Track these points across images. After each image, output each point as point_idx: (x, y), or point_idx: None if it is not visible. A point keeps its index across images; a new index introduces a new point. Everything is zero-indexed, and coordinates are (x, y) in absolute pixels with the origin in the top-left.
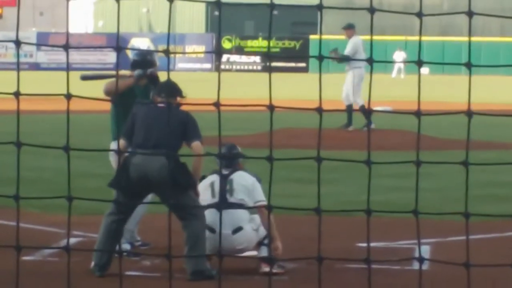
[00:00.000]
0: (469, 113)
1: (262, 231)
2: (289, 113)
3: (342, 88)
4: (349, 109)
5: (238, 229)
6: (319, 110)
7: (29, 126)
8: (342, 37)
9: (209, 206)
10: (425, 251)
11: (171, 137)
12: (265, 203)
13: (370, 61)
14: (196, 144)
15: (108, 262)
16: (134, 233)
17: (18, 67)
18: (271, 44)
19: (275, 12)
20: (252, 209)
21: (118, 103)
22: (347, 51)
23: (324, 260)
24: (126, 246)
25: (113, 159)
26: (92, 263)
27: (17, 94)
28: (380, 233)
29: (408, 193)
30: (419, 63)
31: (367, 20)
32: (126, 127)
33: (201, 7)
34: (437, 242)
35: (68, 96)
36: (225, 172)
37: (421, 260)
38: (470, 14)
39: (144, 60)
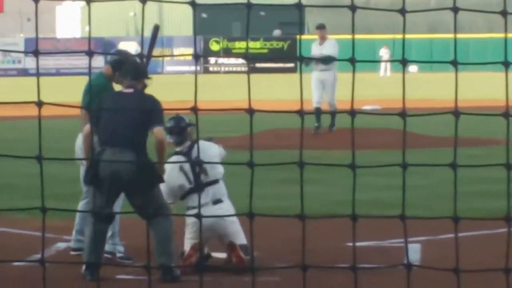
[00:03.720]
0: (456, 113)
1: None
2: (277, 114)
3: (318, 90)
4: (333, 113)
5: (217, 201)
6: (301, 113)
7: (11, 132)
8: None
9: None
10: (416, 249)
11: (138, 129)
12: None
13: (353, 60)
14: (158, 130)
15: (97, 268)
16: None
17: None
18: (259, 45)
19: (262, 13)
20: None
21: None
22: (332, 52)
23: (309, 268)
24: (120, 248)
25: (79, 150)
26: (83, 267)
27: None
28: (370, 231)
29: (398, 191)
30: (404, 62)
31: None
32: (92, 114)
33: (188, 9)
34: (428, 240)
35: (39, 104)
36: (183, 150)
37: (409, 266)
38: (455, 10)
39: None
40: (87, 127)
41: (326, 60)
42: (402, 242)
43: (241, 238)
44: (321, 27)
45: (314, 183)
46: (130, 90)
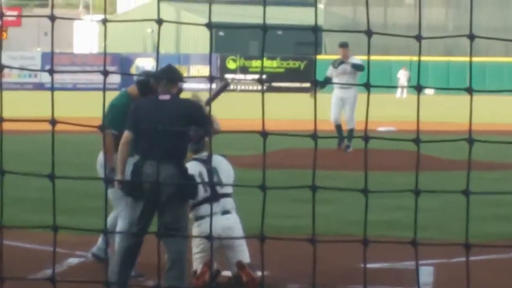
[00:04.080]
0: (470, 141)
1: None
2: (292, 132)
3: (337, 107)
4: (351, 132)
5: (226, 212)
6: (314, 136)
7: (27, 145)
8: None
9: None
10: (429, 272)
11: (179, 139)
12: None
13: (368, 85)
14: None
15: (125, 283)
16: None
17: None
18: (275, 65)
19: (279, 33)
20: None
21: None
22: (359, 63)
23: None
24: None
25: (100, 168)
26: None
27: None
28: (383, 252)
29: (411, 212)
30: (419, 88)
31: (371, 40)
32: (130, 121)
33: (205, 27)
34: (441, 263)
35: (53, 122)
36: (202, 157)
37: None
38: (471, 37)
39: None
40: (126, 135)
41: (356, 67)
42: (414, 264)
43: (246, 257)
44: (344, 46)
45: (327, 203)
46: (167, 97)
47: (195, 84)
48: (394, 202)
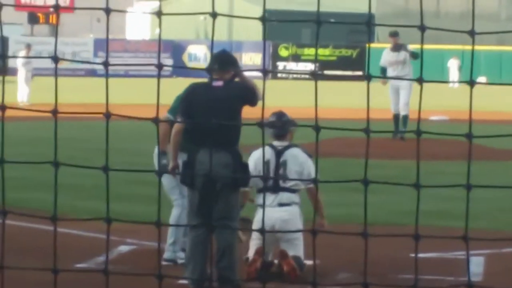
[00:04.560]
0: None
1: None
2: (345, 121)
3: (395, 97)
4: (405, 118)
5: (284, 204)
6: (367, 131)
7: (81, 131)
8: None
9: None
10: (479, 262)
11: (232, 126)
12: (312, 185)
13: (420, 80)
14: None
15: (203, 275)
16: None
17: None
18: (328, 53)
19: (332, 20)
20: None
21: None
22: (414, 52)
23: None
24: (180, 255)
25: (156, 160)
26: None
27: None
28: (435, 242)
29: (461, 203)
30: (472, 83)
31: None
32: (183, 108)
33: (258, 14)
34: (492, 253)
35: (108, 116)
36: (278, 146)
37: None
38: None
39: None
40: (177, 125)
41: (414, 55)
42: (465, 254)
43: (297, 250)
44: (394, 35)
45: (378, 192)
46: (219, 83)
47: (247, 72)
48: (446, 192)
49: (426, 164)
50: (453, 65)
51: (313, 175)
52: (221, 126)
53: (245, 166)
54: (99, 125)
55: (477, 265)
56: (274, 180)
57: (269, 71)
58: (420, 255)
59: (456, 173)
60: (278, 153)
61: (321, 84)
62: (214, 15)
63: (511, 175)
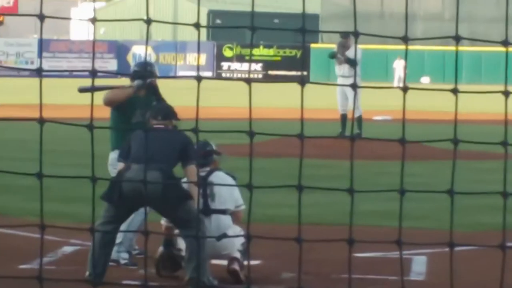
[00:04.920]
0: (455, 141)
1: (241, 238)
2: (289, 122)
3: (341, 97)
4: (344, 118)
5: (222, 236)
6: (301, 136)
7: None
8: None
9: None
10: (422, 261)
11: (168, 154)
12: (243, 207)
13: (354, 86)
14: (191, 168)
15: (103, 271)
16: (133, 241)
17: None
18: (272, 53)
19: (276, 21)
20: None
21: (117, 114)
22: (357, 58)
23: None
24: (124, 255)
25: (112, 168)
26: (87, 273)
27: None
28: (378, 242)
29: (408, 203)
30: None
31: (368, 29)
32: (123, 149)
33: (202, 15)
34: (435, 253)
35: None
36: (202, 173)
37: None
38: (457, 39)
39: (144, 70)
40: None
41: (351, 62)
42: (409, 254)
43: (235, 251)
44: (346, 36)
45: (327, 192)
46: (161, 126)
47: (191, 71)
48: (392, 193)
49: (369, 164)
50: (398, 65)
51: (240, 201)
52: (158, 150)
53: (177, 182)
54: (34, 127)
55: (420, 265)
56: (204, 203)
57: (203, 78)
58: (364, 254)
59: (399, 172)
60: (203, 178)
61: (266, 84)
62: (148, 21)
63: (449, 173)
